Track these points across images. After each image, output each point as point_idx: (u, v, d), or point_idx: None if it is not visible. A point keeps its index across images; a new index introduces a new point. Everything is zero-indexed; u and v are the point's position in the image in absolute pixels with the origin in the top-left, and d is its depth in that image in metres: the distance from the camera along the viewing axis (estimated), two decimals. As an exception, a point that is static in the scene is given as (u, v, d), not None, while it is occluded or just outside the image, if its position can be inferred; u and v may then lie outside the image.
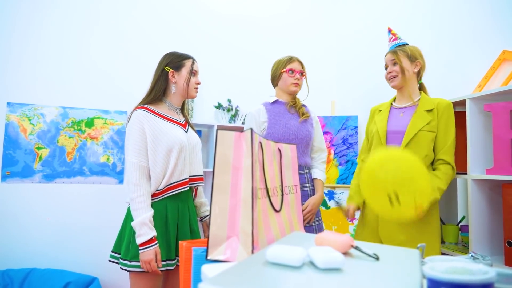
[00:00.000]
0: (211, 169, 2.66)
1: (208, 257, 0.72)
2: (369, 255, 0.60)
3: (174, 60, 1.61)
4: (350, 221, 2.66)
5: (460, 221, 1.88)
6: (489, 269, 0.46)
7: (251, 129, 0.77)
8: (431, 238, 1.57)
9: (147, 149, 1.49)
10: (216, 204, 0.75)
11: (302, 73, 1.87)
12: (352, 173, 2.77)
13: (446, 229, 1.86)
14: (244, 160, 0.76)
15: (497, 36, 1.85)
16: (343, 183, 2.80)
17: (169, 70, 1.59)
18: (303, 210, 1.76)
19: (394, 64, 1.70)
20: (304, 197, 1.80)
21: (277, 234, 0.82)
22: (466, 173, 1.71)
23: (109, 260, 1.54)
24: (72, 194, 2.53)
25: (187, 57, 1.63)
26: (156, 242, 1.42)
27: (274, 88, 1.94)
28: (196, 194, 1.69)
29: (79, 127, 2.59)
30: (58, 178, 2.51)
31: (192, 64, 1.63)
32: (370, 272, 0.53)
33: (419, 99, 1.68)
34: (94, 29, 2.67)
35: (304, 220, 1.76)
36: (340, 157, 2.85)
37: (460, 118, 1.76)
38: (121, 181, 2.66)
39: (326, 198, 2.73)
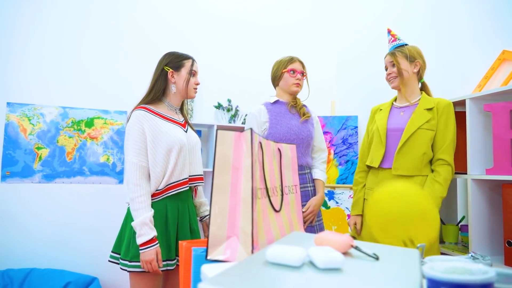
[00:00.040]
0: (211, 169, 2.66)
1: (208, 257, 0.72)
2: (369, 255, 0.60)
3: (173, 60, 1.61)
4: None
5: (460, 221, 1.88)
6: (489, 269, 0.46)
7: (251, 129, 0.77)
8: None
9: (147, 149, 1.48)
10: (216, 204, 0.75)
11: (303, 74, 1.87)
12: (352, 173, 2.77)
13: (446, 229, 1.86)
14: (244, 160, 0.76)
15: (497, 36, 1.85)
16: (343, 183, 2.80)
17: (169, 70, 1.59)
18: (305, 211, 1.76)
19: (393, 65, 1.71)
20: (306, 197, 1.80)
21: (277, 234, 0.82)
22: (466, 173, 1.71)
23: (109, 261, 1.54)
24: (72, 194, 2.53)
25: (186, 57, 1.63)
26: (157, 242, 1.42)
27: (275, 88, 1.94)
28: (196, 194, 1.69)
29: (79, 127, 2.59)
30: (58, 178, 2.51)
31: (192, 65, 1.63)
32: (370, 272, 0.53)
33: (420, 98, 1.69)
34: (94, 29, 2.67)
35: (306, 221, 1.77)
36: (340, 157, 2.85)
37: (460, 118, 1.76)
38: (121, 181, 2.66)
39: (326, 198, 2.73)
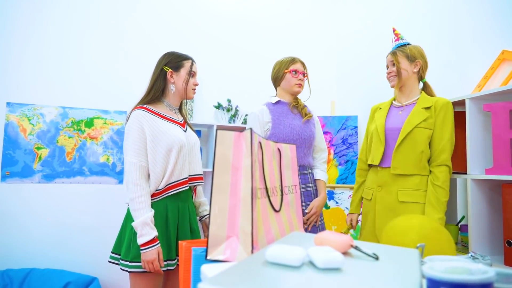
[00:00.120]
0: (210, 169, 2.66)
1: (208, 257, 0.72)
2: (369, 255, 0.60)
3: (173, 60, 1.61)
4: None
5: (460, 221, 1.88)
6: (489, 268, 0.46)
7: (251, 129, 0.77)
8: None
9: (146, 149, 1.48)
10: (215, 204, 0.75)
11: (304, 74, 1.87)
12: (352, 173, 2.77)
13: (446, 229, 1.86)
14: (244, 160, 0.76)
15: (497, 36, 1.85)
16: (343, 183, 2.80)
17: (168, 70, 1.59)
18: (308, 212, 1.77)
19: (394, 64, 1.71)
20: (308, 197, 1.81)
21: (277, 234, 0.82)
22: (465, 173, 1.71)
23: (109, 261, 1.54)
24: (71, 194, 2.53)
25: (186, 57, 1.63)
26: (158, 241, 1.42)
27: (276, 88, 1.94)
28: (195, 194, 1.69)
29: (78, 127, 2.59)
30: (58, 178, 2.51)
31: (191, 65, 1.63)
32: (369, 272, 0.53)
33: (418, 97, 1.69)
34: (94, 29, 2.67)
35: (310, 223, 1.78)
36: (340, 157, 2.86)
37: (460, 118, 1.77)
38: (120, 181, 2.66)
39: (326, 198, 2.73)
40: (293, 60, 1.86)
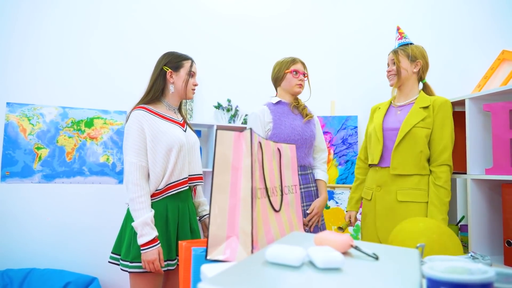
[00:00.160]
0: (210, 169, 2.66)
1: (208, 257, 0.72)
2: (369, 255, 0.60)
3: (173, 60, 1.60)
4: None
5: (460, 221, 1.88)
6: (489, 268, 0.46)
7: (251, 129, 0.77)
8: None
9: (146, 149, 1.48)
10: (215, 204, 0.75)
11: (304, 74, 1.87)
12: (352, 173, 2.77)
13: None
14: (244, 160, 0.76)
15: (497, 36, 1.85)
16: (343, 183, 2.80)
17: (168, 70, 1.59)
18: (309, 213, 1.77)
19: (394, 63, 1.71)
20: (309, 197, 1.81)
21: (277, 234, 0.82)
22: (465, 173, 1.71)
23: (109, 262, 1.54)
24: (71, 194, 2.53)
25: (186, 58, 1.63)
26: (159, 241, 1.42)
27: (276, 88, 1.94)
28: (195, 194, 1.69)
29: (78, 127, 2.59)
30: (58, 178, 2.51)
31: (191, 66, 1.63)
32: (369, 272, 0.53)
33: (417, 97, 1.69)
34: (94, 29, 2.67)
35: (312, 224, 1.78)
36: (339, 157, 2.86)
37: (460, 118, 1.77)
38: (120, 181, 2.66)
39: (326, 198, 2.73)
40: (293, 61, 1.86)
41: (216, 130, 0.79)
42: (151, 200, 1.48)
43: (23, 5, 2.51)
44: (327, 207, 2.73)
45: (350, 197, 1.92)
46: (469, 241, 1.62)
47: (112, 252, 1.54)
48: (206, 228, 1.71)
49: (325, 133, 2.92)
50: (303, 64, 1.89)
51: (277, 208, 0.86)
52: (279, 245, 0.57)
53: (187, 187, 1.55)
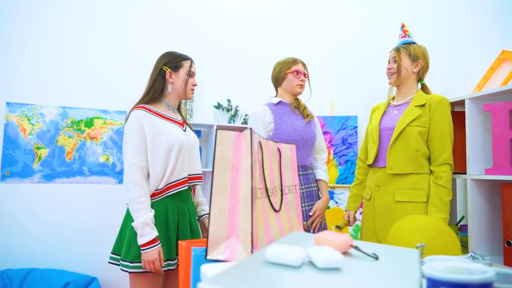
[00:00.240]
0: (210, 169, 2.66)
1: (208, 257, 0.72)
2: (369, 255, 0.60)
3: (172, 60, 1.60)
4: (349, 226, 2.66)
5: (460, 221, 1.88)
6: (488, 268, 0.46)
7: (251, 128, 0.77)
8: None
9: (146, 148, 1.48)
10: (215, 204, 0.75)
11: (305, 75, 1.87)
12: (352, 173, 2.77)
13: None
14: (244, 160, 0.76)
15: (497, 36, 1.85)
16: (343, 183, 2.80)
17: (167, 70, 1.59)
18: (311, 215, 1.78)
19: (395, 61, 1.71)
20: (310, 197, 1.81)
21: (277, 234, 0.82)
22: (465, 173, 1.71)
23: (109, 262, 1.53)
24: (71, 194, 2.53)
25: (185, 58, 1.63)
26: (159, 242, 1.42)
27: (276, 89, 1.94)
28: (194, 193, 1.69)
29: (78, 127, 2.59)
30: (58, 178, 2.51)
31: (190, 66, 1.63)
32: (369, 271, 0.53)
33: (414, 96, 1.68)
34: (94, 29, 2.67)
35: (315, 225, 1.79)
36: (339, 157, 2.86)
37: (459, 118, 1.76)
38: (120, 181, 2.66)
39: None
40: (295, 61, 1.86)
41: (216, 130, 0.79)
42: (151, 200, 1.48)
43: (23, 5, 2.51)
44: (327, 207, 2.72)
45: (349, 197, 1.92)
46: (469, 241, 1.62)
47: (112, 253, 1.54)
48: (204, 228, 1.71)
49: (325, 133, 2.92)
50: (303, 64, 1.89)
51: (277, 208, 0.86)
52: (279, 245, 0.57)
53: (187, 187, 1.55)
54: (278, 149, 0.94)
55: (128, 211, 1.50)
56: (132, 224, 1.42)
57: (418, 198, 1.58)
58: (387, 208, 1.64)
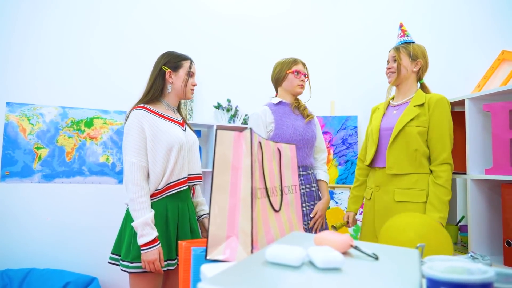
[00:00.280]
0: (210, 169, 2.66)
1: (208, 257, 0.72)
2: (369, 255, 0.60)
3: (172, 60, 1.60)
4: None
5: (459, 221, 1.88)
6: (488, 268, 0.46)
7: (251, 129, 0.77)
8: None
9: (146, 148, 1.48)
10: (215, 204, 0.75)
11: (305, 75, 1.88)
12: (352, 173, 2.77)
13: (445, 229, 1.86)
14: (244, 160, 0.76)
15: (497, 36, 1.85)
16: (343, 183, 2.80)
17: (167, 70, 1.59)
18: (313, 217, 1.78)
19: (394, 61, 1.70)
20: (311, 197, 1.81)
21: (277, 234, 0.82)
22: (465, 173, 1.71)
23: (109, 262, 1.53)
24: (71, 194, 2.53)
25: (185, 58, 1.63)
26: (159, 242, 1.42)
27: (276, 89, 1.94)
28: (193, 193, 1.69)
29: (78, 127, 2.59)
30: (58, 178, 2.51)
31: (190, 66, 1.63)
32: (369, 272, 0.53)
33: (413, 96, 1.68)
34: (94, 29, 2.67)
35: (317, 226, 1.80)
36: (339, 157, 2.86)
37: (459, 118, 1.76)
38: (120, 181, 2.66)
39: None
40: (295, 61, 1.86)
41: (216, 130, 0.79)
42: (151, 200, 1.48)
43: (23, 5, 2.51)
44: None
45: (350, 198, 1.92)
46: (469, 241, 1.62)
47: (111, 253, 1.54)
48: (204, 228, 1.70)
49: (325, 133, 2.92)
50: (304, 64, 1.89)
51: (277, 208, 0.86)
52: (279, 245, 0.57)
53: (187, 187, 1.55)
54: (278, 149, 0.94)
55: (127, 211, 1.50)
56: (132, 224, 1.42)
57: (418, 198, 1.58)
58: (387, 208, 1.64)
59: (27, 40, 2.51)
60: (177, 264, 1.51)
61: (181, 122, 1.62)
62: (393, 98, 1.81)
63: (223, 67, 3.00)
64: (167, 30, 2.85)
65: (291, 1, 3.28)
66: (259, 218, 0.74)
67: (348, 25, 3.23)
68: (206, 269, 0.61)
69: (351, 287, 0.47)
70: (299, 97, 1.94)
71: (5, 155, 2.40)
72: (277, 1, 3.23)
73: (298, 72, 1.84)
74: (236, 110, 2.91)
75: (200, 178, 1.63)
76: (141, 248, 1.40)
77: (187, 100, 1.71)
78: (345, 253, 0.62)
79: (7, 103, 2.44)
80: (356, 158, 2.78)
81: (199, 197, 1.72)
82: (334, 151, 2.88)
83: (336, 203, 2.72)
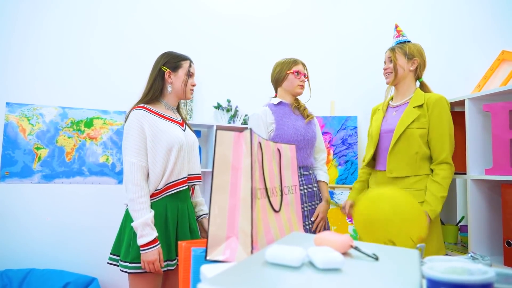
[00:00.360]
0: (210, 169, 2.65)
1: (207, 257, 0.72)
2: (369, 255, 0.60)
3: (171, 60, 1.60)
4: (349, 221, 2.66)
5: (459, 221, 1.88)
6: (489, 269, 0.46)
7: (251, 129, 0.77)
8: (432, 238, 1.56)
9: (146, 148, 1.48)
10: (215, 204, 0.75)
11: (305, 76, 1.88)
12: (352, 173, 2.77)
13: (445, 229, 1.86)
14: (244, 160, 0.76)
15: (497, 37, 1.85)
16: (343, 183, 2.80)
17: (166, 70, 1.59)
18: (314, 220, 1.78)
19: (391, 61, 1.71)
20: (311, 197, 1.82)
21: (277, 234, 0.82)
22: (465, 173, 1.71)
23: (108, 263, 1.53)
24: (71, 194, 2.53)
25: (184, 58, 1.63)
26: (159, 242, 1.42)
27: (276, 89, 1.94)
28: (193, 193, 1.69)
29: (78, 127, 2.59)
30: (57, 178, 2.51)
31: (189, 66, 1.63)
32: (369, 272, 0.53)
33: (412, 96, 1.67)
34: (94, 29, 2.67)
35: (319, 228, 1.80)
36: (339, 157, 2.85)
37: (459, 118, 1.76)
38: (120, 182, 2.66)
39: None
40: (295, 61, 1.86)
41: (216, 130, 0.78)
42: (150, 200, 1.48)
43: (23, 5, 2.51)
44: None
45: (352, 190, 1.90)
46: (469, 242, 1.62)
47: (111, 253, 1.54)
48: (203, 228, 1.70)
49: (324, 133, 2.92)
50: (304, 65, 1.89)
51: (277, 208, 0.85)
52: (279, 245, 0.57)
53: (186, 187, 1.55)
54: (278, 150, 0.94)
55: (127, 211, 1.50)
56: (132, 224, 1.42)
57: (418, 198, 1.57)
58: None
59: (27, 40, 2.51)
60: (177, 265, 1.51)
61: (180, 122, 1.62)
62: (392, 98, 1.80)
63: (223, 67, 3.00)
64: (167, 30, 2.85)
65: (291, 1, 3.28)
66: (259, 219, 0.74)
67: (348, 25, 3.23)
68: (206, 270, 0.61)
69: (351, 287, 0.47)
70: (299, 97, 1.94)
71: (5, 156, 2.40)
72: (277, 1, 3.23)
73: (298, 72, 1.84)
74: (236, 111, 2.91)
75: (199, 178, 1.63)
76: (141, 249, 1.39)
77: (186, 100, 1.71)
78: (345, 254, 0.62)
79: (7, 103, 2.44)
80: (356, 159, 2.79)
81: (198, 197, 1.72)
82: (334, 152, 2.88)
83: (336, 203, 2.72)
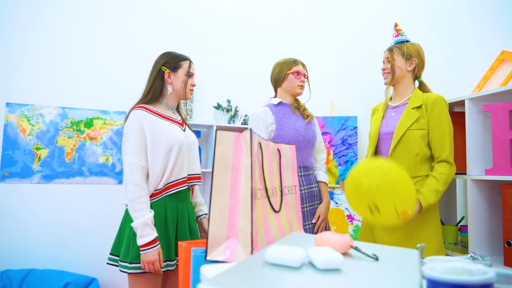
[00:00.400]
0: (210, 170, 2.65)
1: (207, 258, 0.72)
2: (369, 256, 0.60)
3: (171, 60, 1.60)
4: (349, 221, 2.66)
5: (459, 222, 1.88)
6: (489, 269, 0.46)
7: (251, 129, 0.77)
8: (432, 238, 1.56)
9: (146, 149, 1.48)
10: (215, 205, 0.75)
11: (305, 76, 1.88)
12: (352, 174, 2.77)
13: (445, 229, 1.86)
14: (243, 160, 0.76)
15: (497, 37, 1.85)
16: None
17: (166, 70, 1.59)
18: (316, 221, 1.79)
19: (389, 61, 1.70)
20: (311, 197, 1.82)
21: (277, 235, 0.82)
22: (465, 174, 1.71)
23: (108, 263, 1.53)
24: (71, 194, 2.53)
25: (184, 58, 1.63)
26: (158, 242, 1.42)
27: (276, 89, 1.94)
28: (192, 193, 1.69)
29: (78, 128, 2.59)
30: (57, 178, 2.51)
31: (189, 66, 1.62)
32: (369, 272, 0.53)
33: (410, 97, 1.67)
34: (94, 29, 2.67)
35: (321, 230, 1.80)
36: (339, 157, 2.85)
37: (459, 118, 1.76)
38: (120, 182, 2.66)
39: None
40: (295, 62, 1.86)
41: (216, 130, 0.78)
42: (150, 200, 1.48)
43: (23, 5, 2.51)
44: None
45: None
46: (469, 242, 1.62)
47: (110, 254, 1.54)
48: (202, 228, 1.70)
49: (324, 133, 2.92)
50: (303, 65, 1.89)
51: (276, 208, 0.85)
52: (278, 245, 0.57)
53: (186, 187, 1.55)
54: (278, 150, 0.94)
55: (126, 211, 1.50)
56: (132, 224, 1.42)
57: None
58: None
59: (27, 40, 2.51)
60: (176, 265, 1.51)
61: (180, 122, 1.62)
62: (390, 98, 1.80)
63: (223, 67, 3.00)
64: (167, 30, 2.85)
65: (291, 1, 3.28)
66: (259, 219, 0.74)
67: (348, 25, 3.23)
68: (206, 270, 0.61)
69: (351, 288, 0.47)
70: (299, 97, 1.94)
71: (4, 156, 2.40)
72: (277, 1, 3.23)
73: (298, 72, 1.84)
74: (236, 111, 2.91)
75: (199, 178, 1.63)
76: (141, 249, 1.39)
77: (186, 100, 1.71)
78: (345, 254, 0.62)
79: (7, 104, 2.43)
80: (356, 159, 2.79)
81: (198, 197, 1.72)
82: (334, 152, 2.88)
83: (336, 203, 2.72)
